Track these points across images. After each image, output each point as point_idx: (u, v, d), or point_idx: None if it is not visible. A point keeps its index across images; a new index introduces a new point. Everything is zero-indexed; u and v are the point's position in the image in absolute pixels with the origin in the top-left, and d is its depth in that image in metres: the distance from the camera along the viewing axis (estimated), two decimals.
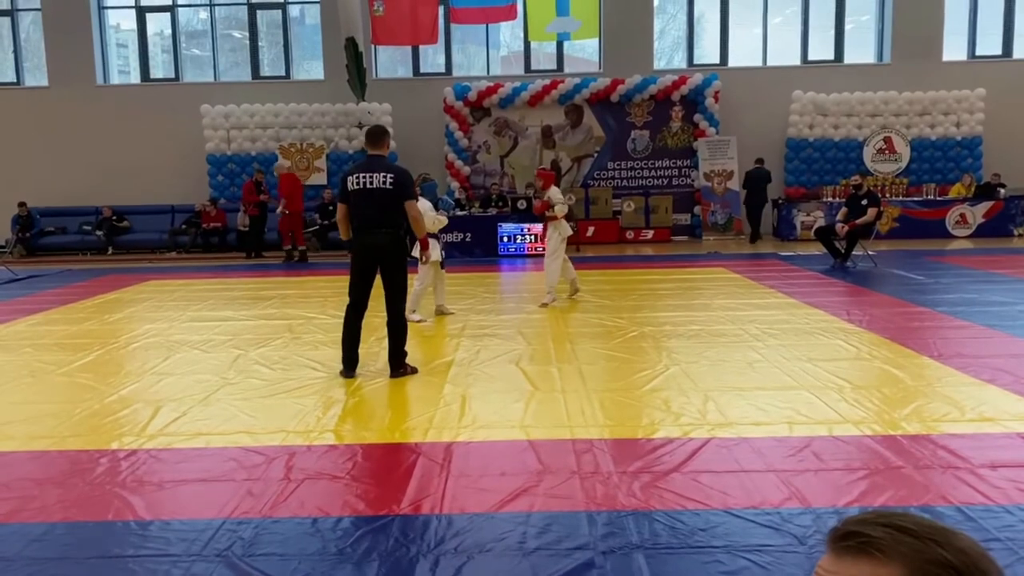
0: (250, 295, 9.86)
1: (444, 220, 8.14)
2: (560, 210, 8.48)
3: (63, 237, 16.07)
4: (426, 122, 16.16)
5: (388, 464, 4.04)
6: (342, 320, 5.77)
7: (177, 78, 17.00)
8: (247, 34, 17.03)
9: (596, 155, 16.35)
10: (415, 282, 7.64)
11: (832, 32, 16.60)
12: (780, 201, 15.72)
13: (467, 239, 13.78)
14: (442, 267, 8.06)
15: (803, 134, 16.09)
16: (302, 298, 9.44)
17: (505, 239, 13.80)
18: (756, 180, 15.31)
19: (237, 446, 4.26)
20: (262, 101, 16.23)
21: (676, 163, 16.28)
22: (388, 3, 14.92)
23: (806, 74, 16.33)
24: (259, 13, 16.94)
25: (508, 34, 17.58)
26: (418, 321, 7.57)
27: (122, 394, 5.40)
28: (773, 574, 2.84)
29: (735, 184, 15.76)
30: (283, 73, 17.01)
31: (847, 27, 16.61)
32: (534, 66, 17.00)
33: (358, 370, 5.75)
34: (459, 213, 13.93)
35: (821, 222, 13.97)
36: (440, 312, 8.11)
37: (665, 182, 16.30)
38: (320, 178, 16.02)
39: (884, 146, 15.93)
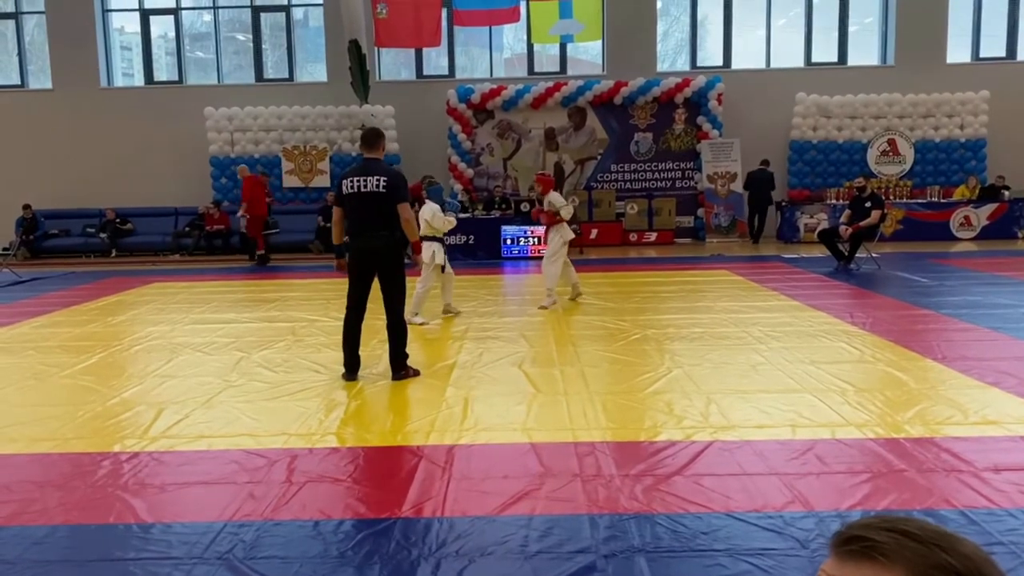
0: (253, 297, 9.87)
1: (453, 221, 8.17)
2: (567, 213, 8.45)
3: (67, 239, 16.10)
4: (429, 124, 16.18)
5: (390, 467, 4.03)
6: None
7: (181, 81, 17.03)
8: (251, 37, 17.06)
9: (599, 157, 16.34)
10: (417, 285, 7.65)
11: (836, 34, 16.58)
12: (783, 203, 15.70)
13: (470, 241, 13.78)
14: (443, 270, 8.05)
15: (806, 136, 16.07)
16: (305, 300, 9.45)
17: (508, 241, 13.80)
18: (759, 182, 15.30)
19: (239, 449, 4.26)
20: (265, 104, 16.25)
21: (679, 165, 16.28)
22: (391, 5, 14.95)
23: (810, 76, 16.32)
24: (263, 16, 16.97)
25: (511, 36, 17.60)
26: (420, 324, 7.57)
27: (125, 397, 5.40)
28: None
29: (738, 186, 15.75)
30: (287, 76, 17.03)
31: (851, 29, 16.60)
32: (537, 68, 17.00)
33: (360, 373, 5.76)
34: (461, 215, 13.93)
35: (825, 224, 13.96)
36: (447, 312, 8.11)
37: (668, 184, 16.29)
38: (323, 181, 16.04)
39: (888, 148, 15.91)
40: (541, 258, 9.13)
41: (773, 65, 16.65)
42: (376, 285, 5.70)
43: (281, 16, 17.01)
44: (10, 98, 16.86)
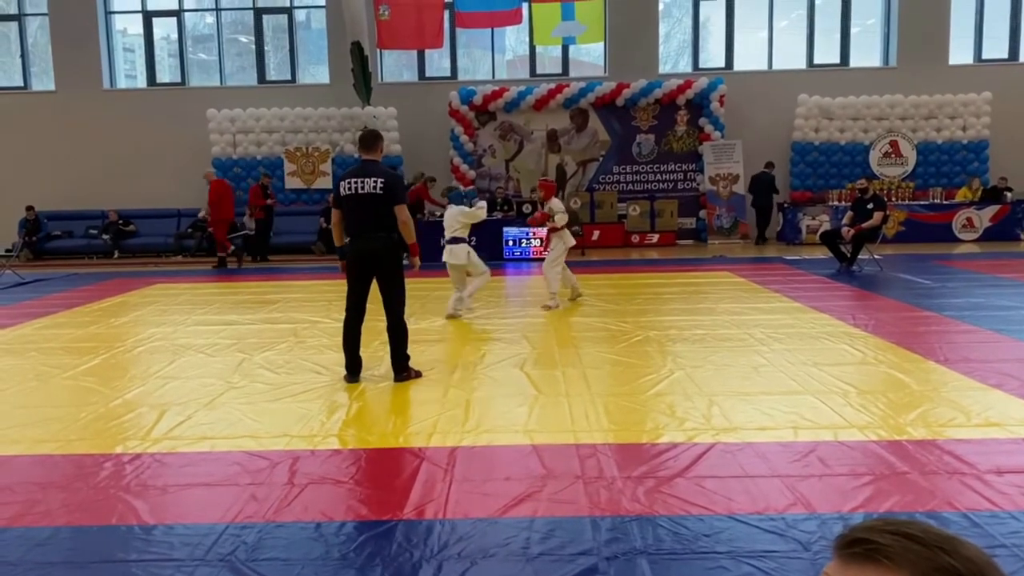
0: (255, 299, 9.88)
1: (483, 212, 8.37)
2: (560, 219, 8.59)
3: (69, 241, 16.14)
4: (431, 126, 16.19)
5: (392, 469, 4.03)
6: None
7: (183, 82, 17.06)
8: (253, 38, 17.08)
9: (601, 159, 16.34)
10: (473, 281, 8.09)
11: (838, 36, 16.58)
12: (785, 205, 15.69)
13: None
14: (469, 275, 8.29)
15: (808, 138, 16.06)
16: (307, 302, 9.45)
17: (510, 243, 13.80)
18: (761, 184, 15.29)
19: (241, 450, 4.26)
20: (268, 105, 16.28)
21: (681, 167, 16.28)
22: (394, 7, 14.97)
23: (811, 78, 16.32)
24: (265, 18, 17.00)
25: (513, 38, 17.62)
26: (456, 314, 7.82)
27: (127, 398, 5.41)
28: None
29: (740, 188, 15.75)
30: (289, 77, 17.06)
31: (853, 31, 16.60)
32: (539, 70, 17.01)
33: (362, 374, 5.76)
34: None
35: (827, 226, 13.95)
36: (458, 308, 8.16)
37: (670, 186, 16.29)
38: (326, 182, 16.03)
39: (890, 150, 15.90)
40: (542, 259, 9.24)
41: (775, 67, 16.64)
42: (376, 286, 5.71)
43: (283, 18, 17.03)
44: (13, 100, 16.89)
